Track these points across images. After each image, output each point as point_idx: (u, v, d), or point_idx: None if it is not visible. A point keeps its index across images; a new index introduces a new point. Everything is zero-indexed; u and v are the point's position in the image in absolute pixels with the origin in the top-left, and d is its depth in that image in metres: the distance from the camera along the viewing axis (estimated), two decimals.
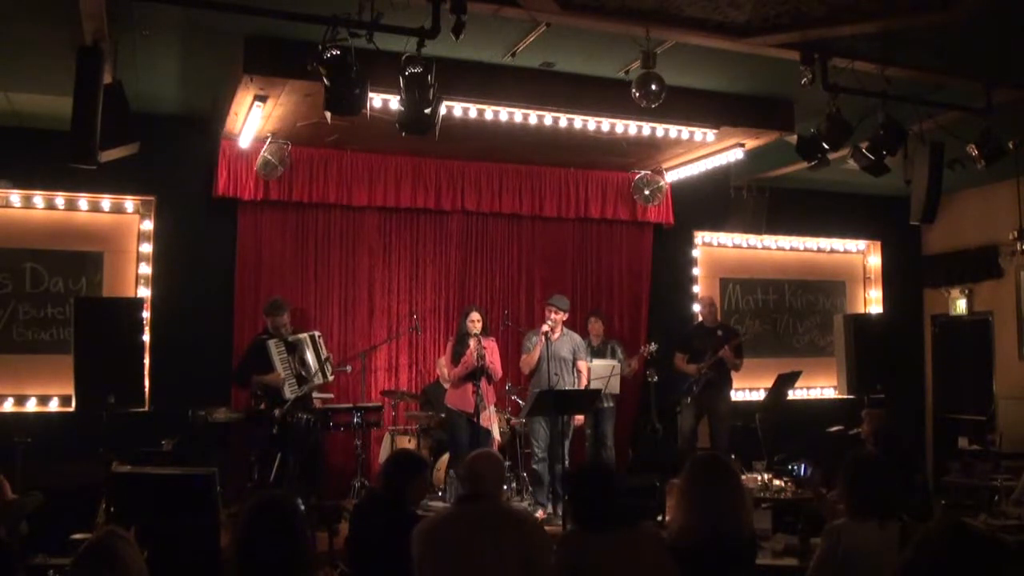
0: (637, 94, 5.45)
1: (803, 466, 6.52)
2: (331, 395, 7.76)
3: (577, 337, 7.56)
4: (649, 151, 8.16)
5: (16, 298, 7.46)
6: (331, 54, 4.67)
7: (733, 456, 6.85)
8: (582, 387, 7.28)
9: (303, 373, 6.96)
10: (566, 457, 7.05)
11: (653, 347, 8.12)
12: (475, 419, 6.98)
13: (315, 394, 7.32)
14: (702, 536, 3.30)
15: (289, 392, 6.85)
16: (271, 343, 6.93)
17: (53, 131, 6.16)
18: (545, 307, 7.53)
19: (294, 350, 6.99)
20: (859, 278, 10.73)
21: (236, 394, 7.61)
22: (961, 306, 10.23)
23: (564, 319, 7.43)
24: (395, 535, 3.85)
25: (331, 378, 7.30)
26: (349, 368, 7.77)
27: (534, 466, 7.32)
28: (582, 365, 7.41)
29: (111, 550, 2.52)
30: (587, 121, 6.97)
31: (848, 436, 7.42)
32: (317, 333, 7.32)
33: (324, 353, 7.19)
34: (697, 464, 3.58)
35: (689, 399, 8.11)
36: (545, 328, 7.21)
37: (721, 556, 3.29)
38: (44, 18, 5.36)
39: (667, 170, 8.86)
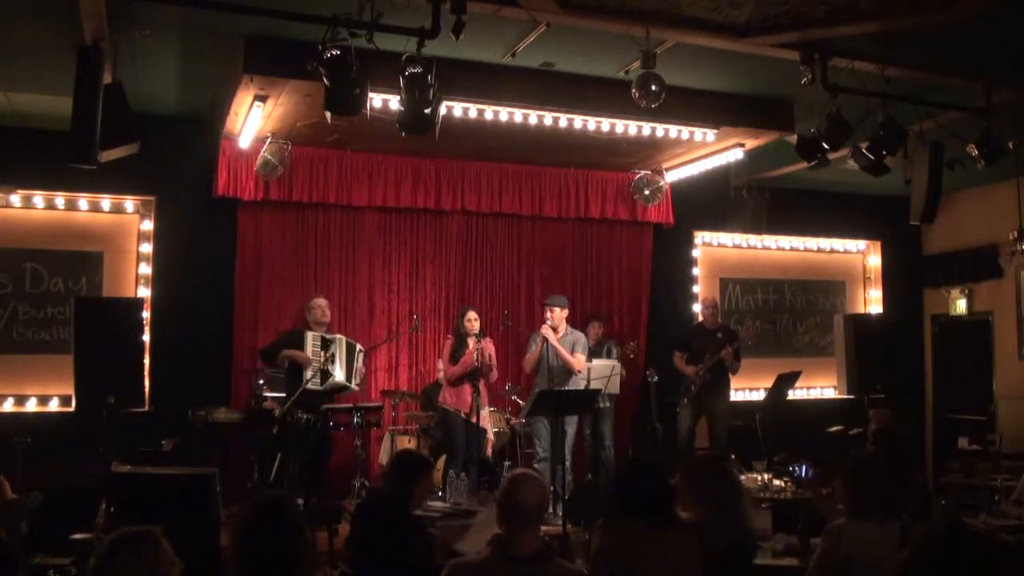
0: (637, 94, 5.45)
1: (803, 466, 6.52)
2: None
3: (579, 335, 7.56)
4: (649, 151, 8.15)
5: (16, 298, 7.46)
6: (331, 54, 4.67)
7: (733, 456, 6.87)
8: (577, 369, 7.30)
9: (328, 369, 6.95)
10: (567, 457, 7.05)
11: (633, 345, 8.41)
12: (472, 419, 6.97)
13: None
14: (701, 536, 3.29)
15: (311, 379, 6.82)
16: (309, 333, 7.00)
17: (53, 131, 6.16)
18: (543, 309, 7.53)
19: (328, 347, 7.01)
20: (859, 278, 10.73)
21: (236, 394, 7.62)
22: (961, 306, 10.23)
23: (566, 315, 7.43)
24: (397, 536, 3.85)
25: (355, 387, 7.26)
26: None
27: (535, 465, 7.30)
28: (580, 359, 7.41)
29: (111, 566, 2.42)
30: (587, 121, 6.97)
31: (848, 436, 7.41)
32: (359, 346, 7.31)
33: (357, 364, 7.17)
34: (695, 464, 3.58)
35: (687, 400, 8.14)
36: (546, 328, 7.20)
37: (720, 556, 3.29)
38: (44, 18, 5.36)
39: (667, 170, 8.86)
